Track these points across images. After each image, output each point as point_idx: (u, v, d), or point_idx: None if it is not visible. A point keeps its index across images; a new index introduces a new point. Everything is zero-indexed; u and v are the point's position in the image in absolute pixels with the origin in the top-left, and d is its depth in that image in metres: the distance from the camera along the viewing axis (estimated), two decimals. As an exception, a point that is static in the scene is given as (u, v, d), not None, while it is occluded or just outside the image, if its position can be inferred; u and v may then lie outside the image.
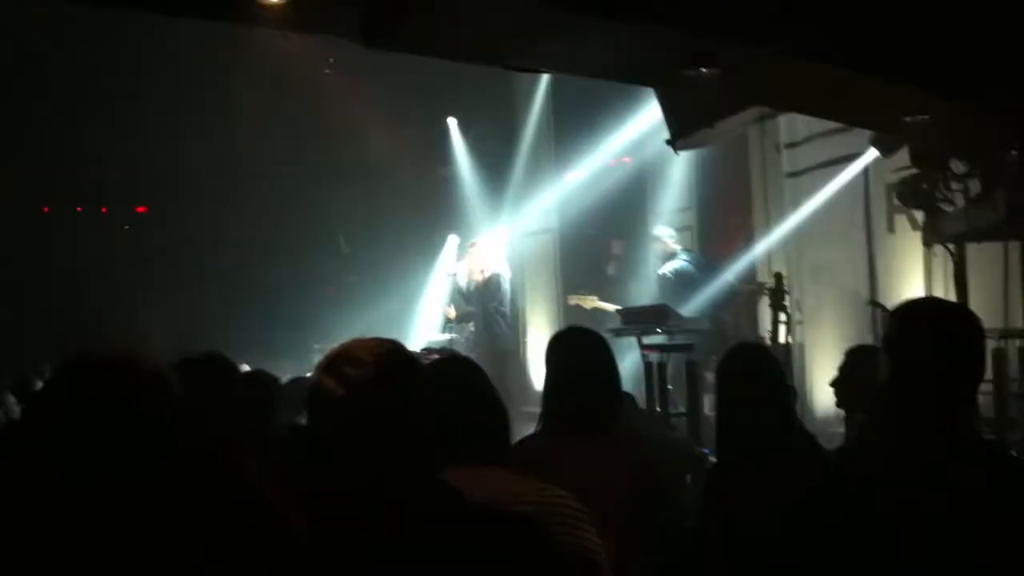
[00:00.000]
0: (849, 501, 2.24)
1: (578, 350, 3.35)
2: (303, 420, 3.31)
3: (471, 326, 10.66)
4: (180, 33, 9.55)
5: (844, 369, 4.45)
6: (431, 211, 12.09)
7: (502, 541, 1.91)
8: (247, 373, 4.19)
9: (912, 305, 2.35)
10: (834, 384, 4.51)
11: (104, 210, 11.92)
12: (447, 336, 10.47)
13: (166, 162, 10.80)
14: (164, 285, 10.94)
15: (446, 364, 2.69)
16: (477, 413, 2.47)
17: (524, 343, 10.84)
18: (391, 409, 1.86)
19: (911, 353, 2.21)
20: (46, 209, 11.60)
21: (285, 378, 5.13)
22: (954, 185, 6.42)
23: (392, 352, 1.92)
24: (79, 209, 11.70)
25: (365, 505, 1.85)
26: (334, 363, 1.88)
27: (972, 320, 2.31)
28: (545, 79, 10.90)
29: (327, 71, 10.58)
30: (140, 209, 11.99)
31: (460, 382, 2.52)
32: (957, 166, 6.33)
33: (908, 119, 4.18)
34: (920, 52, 3.41)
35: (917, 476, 2.16)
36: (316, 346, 10.64)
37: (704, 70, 3.57)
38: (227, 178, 11.02)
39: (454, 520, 1.88)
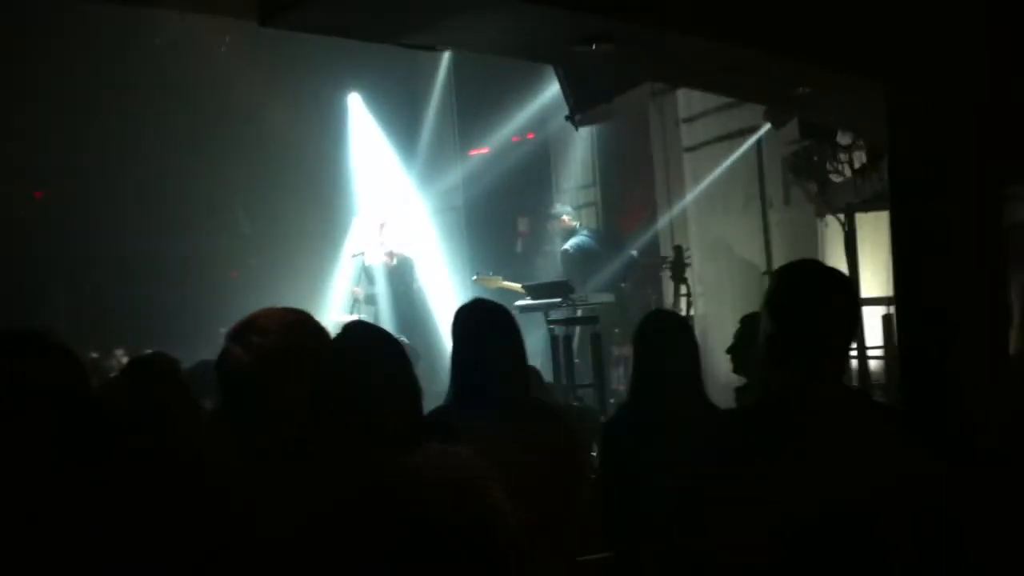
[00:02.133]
0: (745, 454, 2.34)
1: (484, 323, 3.37)
2: (206, 402, 3.31)
3: (380, 307, 10.66)
4: (70, 12, 9.31)
5: (739, 336, 4.62)
6: (335, 190, 11.99)
7: (420, 506, 1.88)
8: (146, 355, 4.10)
9: (790, 266, 2.50)
10: (730, 351, 4.68)
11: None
12: (354, 316, 10.44)
13: (59, 145, 10.51)
14: (61, 271, 10.66)
15: (360, 333, 2.57)
16: (391, 384, 2.41)
17: (435, 324, 10.86)
18: (297, 378, 1.87)
19: (789, 310, 2.34)
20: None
21: (191, 362, 5.07)
22: (841, 156, 6.65)
23: (300, 322, 1.96)
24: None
25: (272, 474, 1.87)
26: (241, 332, 1.91)
27: (844, 281, 2.47)
28: (448, 54, 10.91)
29: (223, 49, 10.41)
30: (37, 195, 11.61)
31: (372, 355, 2.43)
32: (843, 137, 6.56)
33: (793, 92, 4.33)
34: (805, 26, 3.55)
35: (802, 428, 2.28)
36: (222, 330, 10.42)
37: (596, 47, 3.65)
38: (122, 160, 10.75)
39: (362, 488, 1.86)
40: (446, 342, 10.11)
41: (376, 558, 1.80)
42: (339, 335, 2.51)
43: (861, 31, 3.55)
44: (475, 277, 9.52)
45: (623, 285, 9.39)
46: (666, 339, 3.72)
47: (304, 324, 1.97)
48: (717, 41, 3.55)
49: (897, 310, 3.80)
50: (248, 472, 1.93)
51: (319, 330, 1.99)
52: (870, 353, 7.15)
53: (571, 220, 9.93)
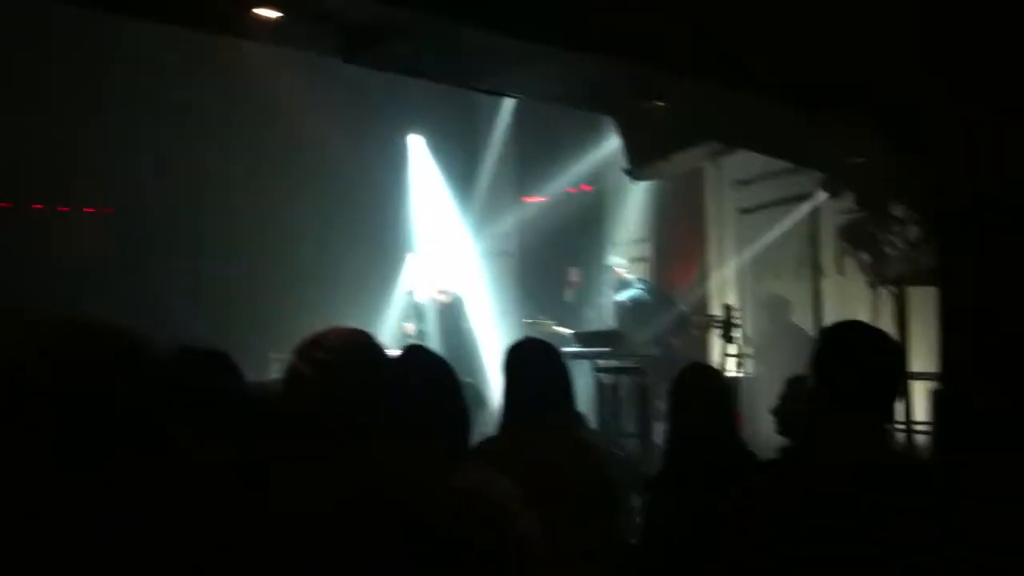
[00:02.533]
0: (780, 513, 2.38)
1: (534, 358, 3.47)
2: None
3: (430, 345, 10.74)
4: (143, 44, 9.60)
5: (784, 397, 4.63)
6: (392, 228, 12.17)
7: (470, 525, 2.03)
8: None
9: (837, 326, 2.55)
10: (775, 412, 4.68)
11: (62, 208, 11.81)
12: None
13: (126, 166, 10.79)
14: (119, 290, 10.87)
15: (419, 357, 2.71)
16: (442, 409, 2.55)
17: (482, 364, 10.94)
18: (356, 392, 1.96)
19: (832, 368, 2.40)
20: (6, 205, 11.49)
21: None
22: (895, 228, 6.66)
23: (361, 341, 2.05)
24: (40, 207, 11.60)
25: (333, 488, 1.93)
26: (306, 347, 2.01)
27: (888, 340, 2.50)
28: (510, 101, 11.10)
29: (291, 84, 10.67)
30: (106, 211, 11.88)
31: (430, 376, 2.59)
32: (898, 209, 6.58)
33: (848, 161, 4.39)
34: (860, 95, 3.63)
35: (843, 486, 2.33)
36: (273, 355, 10.62)
37: (655, 102, 3.76)
38: (186, 186, 11.02)
39: (424, 503, 2.00)
40: (493, 383, 10.21)
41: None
42: (399, 357, 2.61)
43: (907, 105, 3.61)
44: (529, 320, 9.63)
45: (673, 341, 9.42)
46: (700, 392, 3.76)
47: (365, 342, 2.07)
48: (772, 103, 3.64)
49: (942, 383, 3.80)
50: (293, 479, 1.98)
51: (379, 348, 2.09)
52: (917, 428, 7.09)
53: (625, 272, 10.00)
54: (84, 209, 11.61)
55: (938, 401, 3.71)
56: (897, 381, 2.49)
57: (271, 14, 3.22)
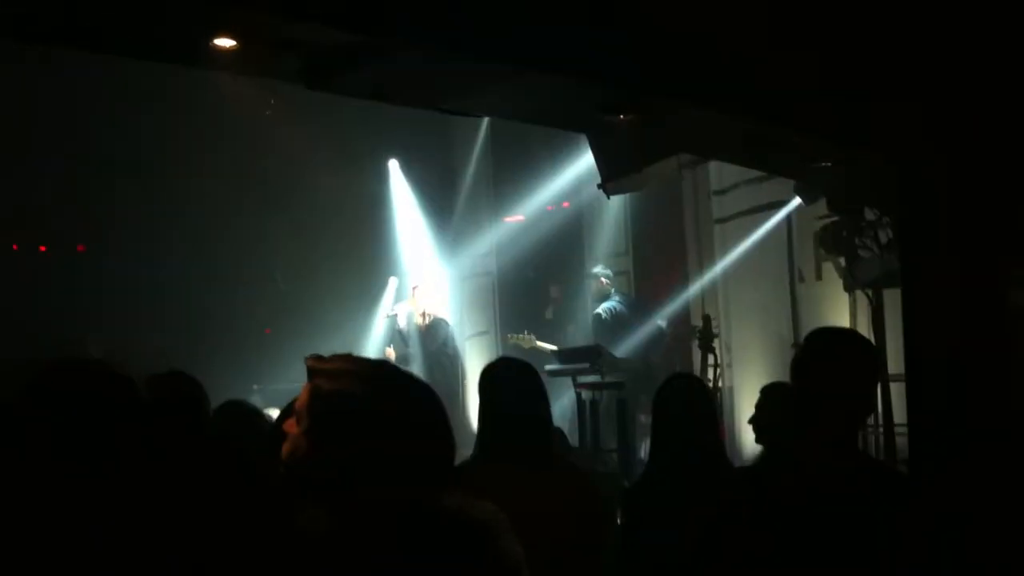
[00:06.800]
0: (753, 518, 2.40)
1: (510, 380, 3.47)
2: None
3: (412, 368, 10.77)
4: (117, 70, 9.62)
5: (761, 405, 4.66)
6: (371, 252, 12.19)
7: (470, 543, 2.08)
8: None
9: (816, 333, 2.58)
10: (752, 421, 4.72)
11: (43, 248, 11.80)
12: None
13: (102, 199, 10.78)
14: (97, 325, 10.84)
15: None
16: (434, 437, 2.59)
17: (464, 386, 10.96)
18: (377, 404, 2.05)
19: (810, 375, 2.43)
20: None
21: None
22: (868, 232, 6.72)
23: (379, 363, 2.16)
24: (15, 247, 11.58)
25: (346, 501, 1.98)
26: (325, 366, 2.08)
27: (866, 346, 2.53)
28: (485, 123, 11.16)
29: (268, 112, 10.70)
30: (80, 248, 11.86)
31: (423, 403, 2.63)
32: (869, 213, 6.64)
33: (815, 166, 4.45)
34: (822, 106, 3.68)
35: (819, 490, 2.36)
36: (255, 386, 10.62)
37: (623, 117, 3.80)
38: (163, 216, 11.02)
39: (432, 517, 2.07)
40: (472, 404, 10.19)
41: None
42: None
43: (872, 108, 3.66)
44: (510, 336, 9.66)
45: (652, 354, 9.46)
46: (682, 403, 3.79)
47: (383, 365, 2.18)
48: (734, 116, 3.69)
49: (908, 385, 3.84)
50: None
51: (396, 370, 2.19)
52: (897, 429, 7.13)
53: (607, 283, 10.05)
54: (78, 248, 11.57)
55: (910, 403, 3.75)
56: (874, 387, 2.52)
57: (230, 43, 3.23)
